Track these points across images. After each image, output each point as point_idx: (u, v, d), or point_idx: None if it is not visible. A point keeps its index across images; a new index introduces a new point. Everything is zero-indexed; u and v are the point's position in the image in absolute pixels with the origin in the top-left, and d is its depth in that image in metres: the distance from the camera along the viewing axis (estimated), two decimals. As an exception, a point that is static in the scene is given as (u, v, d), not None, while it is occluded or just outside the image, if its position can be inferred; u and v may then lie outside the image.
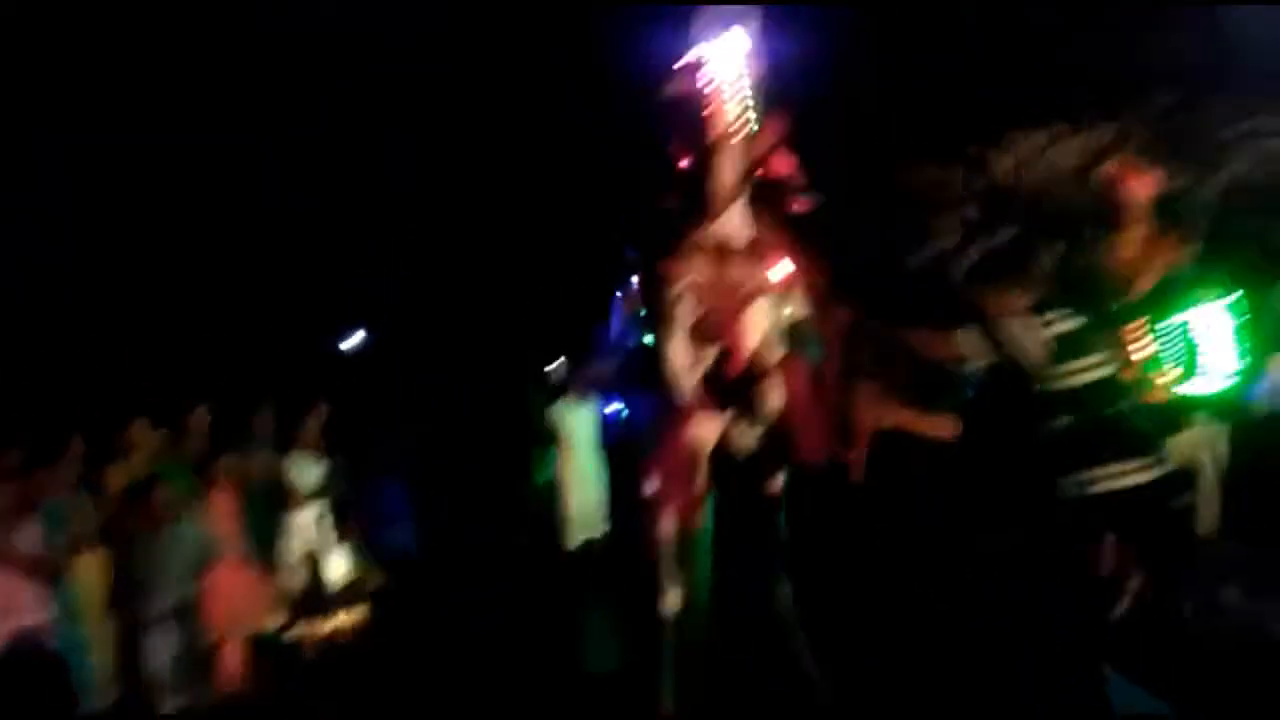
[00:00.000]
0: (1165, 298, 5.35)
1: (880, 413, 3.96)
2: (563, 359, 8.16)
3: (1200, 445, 5.10)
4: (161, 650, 5.48)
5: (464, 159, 10.39)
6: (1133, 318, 5.39)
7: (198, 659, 5.77)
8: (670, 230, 4.00)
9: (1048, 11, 7.15)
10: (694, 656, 4.05)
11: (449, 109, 10.06)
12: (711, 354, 4.01)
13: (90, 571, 5.82)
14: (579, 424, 7.74)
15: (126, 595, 5.52)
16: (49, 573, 5.49)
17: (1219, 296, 5.32)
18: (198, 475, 6.56)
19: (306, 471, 7.05)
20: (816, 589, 4.25)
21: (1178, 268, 5.41)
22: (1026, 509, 3.90)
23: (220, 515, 6.49)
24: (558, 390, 7.88)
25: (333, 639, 6.99)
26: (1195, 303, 5.36)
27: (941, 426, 4.08)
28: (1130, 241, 5.51)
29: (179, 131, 9.80)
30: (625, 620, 4.95)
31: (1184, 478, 4.69)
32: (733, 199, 3.89)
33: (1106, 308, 5.50)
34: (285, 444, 7.12)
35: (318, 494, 7.04)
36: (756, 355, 4.05)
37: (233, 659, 6.35)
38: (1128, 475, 3.45)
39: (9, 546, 5.36)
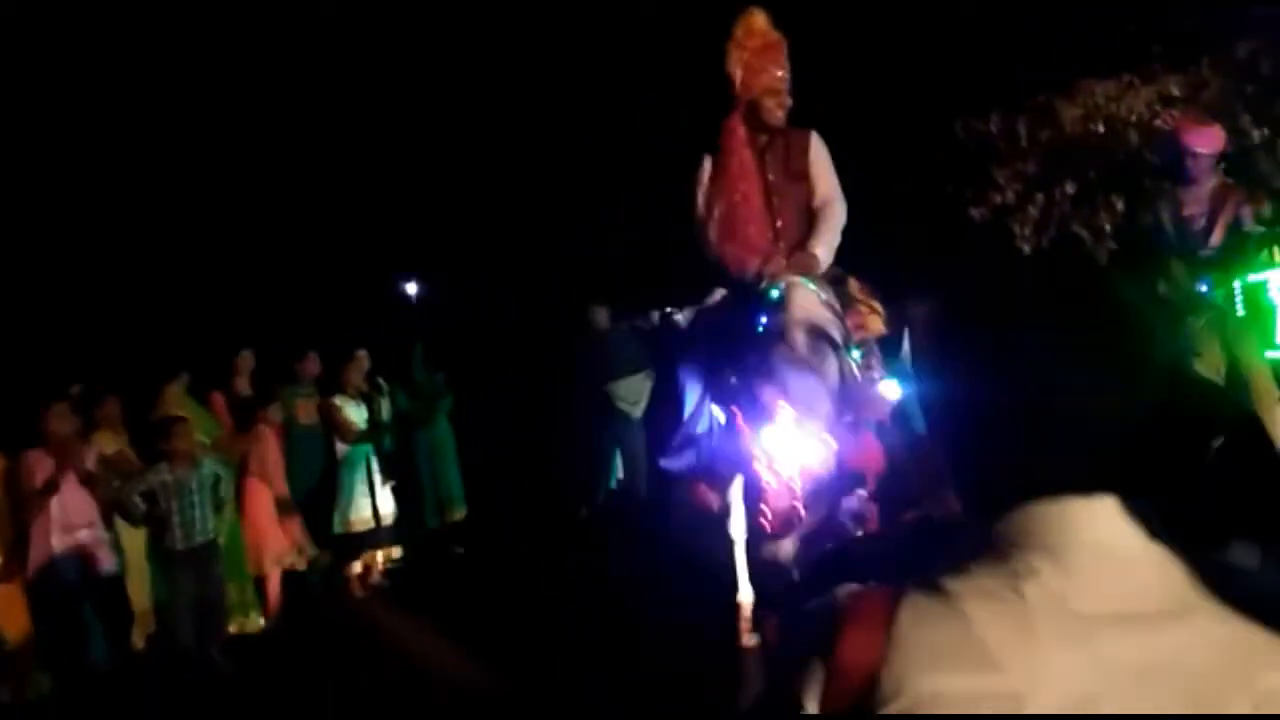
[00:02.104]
0: (1238, 255, 5.10)
1: None
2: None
3: None
4: (188, 584, 5.53)
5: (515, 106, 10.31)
6: (1202, 275, 5.16)
7: (221, 595, 5.88)
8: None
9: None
10: None
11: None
12: None
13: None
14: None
15: (156, 529, 5.60)
16: (105, 496, 5.72)
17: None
18: (241, 415, 6.61)
19: (351, 413, 7.05)
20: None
21: (1252, 223, 5.13)
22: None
23: (262, 454, 6.53)
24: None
25: (371, 577, 7.02)
26: (1272, 261, 5.11)
27: None
28: (1197, 196, 5.27)
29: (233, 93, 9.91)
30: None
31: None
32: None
33: (1172, 265, 5.28)
34: (331, 387, 7.12)
35: (362, 436, 7.04)
36: None
37: (271, 593, 6.47)
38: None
39: (77, 463, 5.59)
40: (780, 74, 4.00)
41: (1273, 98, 6.63)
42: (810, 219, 4.04)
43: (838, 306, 3.84)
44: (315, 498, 6.92)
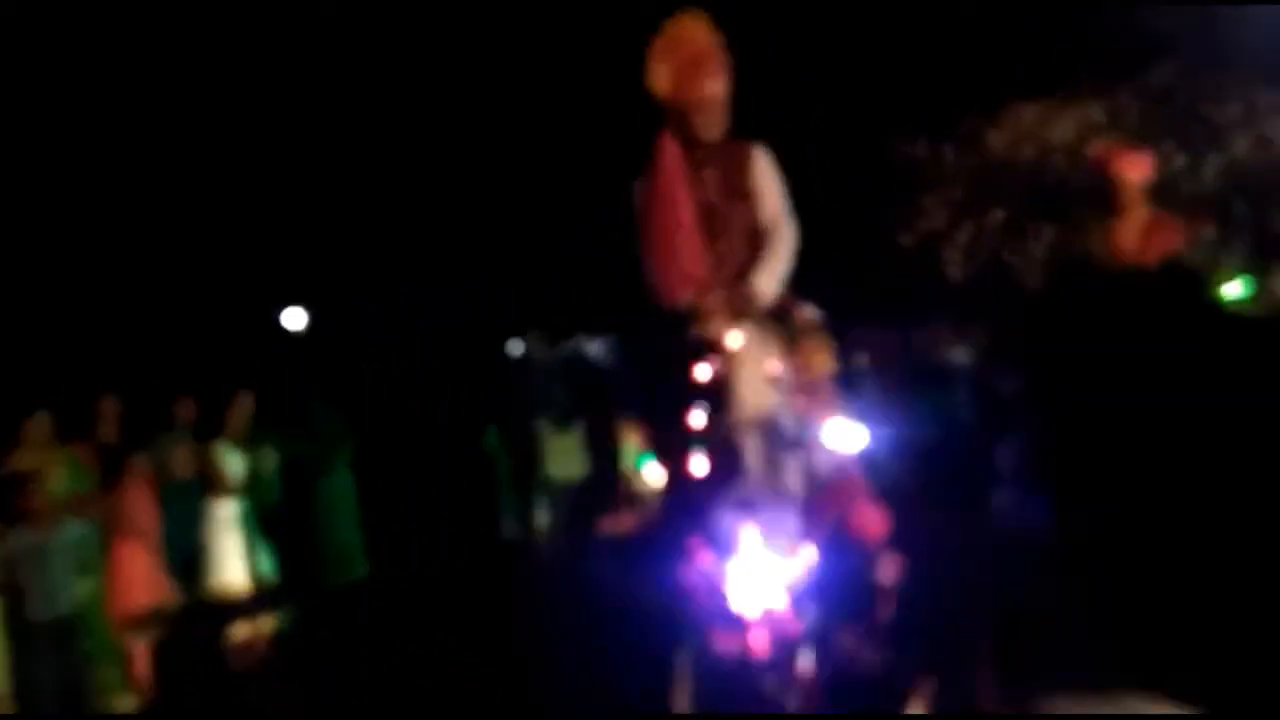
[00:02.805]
0: (1178, 283, 5.04)
1: None
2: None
3: None
4: (49, 659, 5.12)
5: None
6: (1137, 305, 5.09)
7: (87, 672, 5.42)
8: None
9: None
10: None
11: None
12: None
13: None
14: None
15: (13, 600, 5.14)
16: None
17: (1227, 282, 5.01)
18: (108, 466, 6.03)
19: (231, 462, 6.49)
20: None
21: (1189, 251, 5.07)
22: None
23: (133, 510, 5.95)
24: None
25: (252, 646, 6.44)
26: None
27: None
28: (1128, 227, 5.21)
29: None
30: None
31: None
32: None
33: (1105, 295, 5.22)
34: (209, 433, 6.55)
35: (244, 489, 6.48)
36: None
37: (141, 668, 5.86)
38: None
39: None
40: (715, 84, 3.64)
41: (1191, 122, 6.75)
42: (756, 242, 3.68)
43: (781, 364, 3.49)
44: (191, 559, 6.33)
